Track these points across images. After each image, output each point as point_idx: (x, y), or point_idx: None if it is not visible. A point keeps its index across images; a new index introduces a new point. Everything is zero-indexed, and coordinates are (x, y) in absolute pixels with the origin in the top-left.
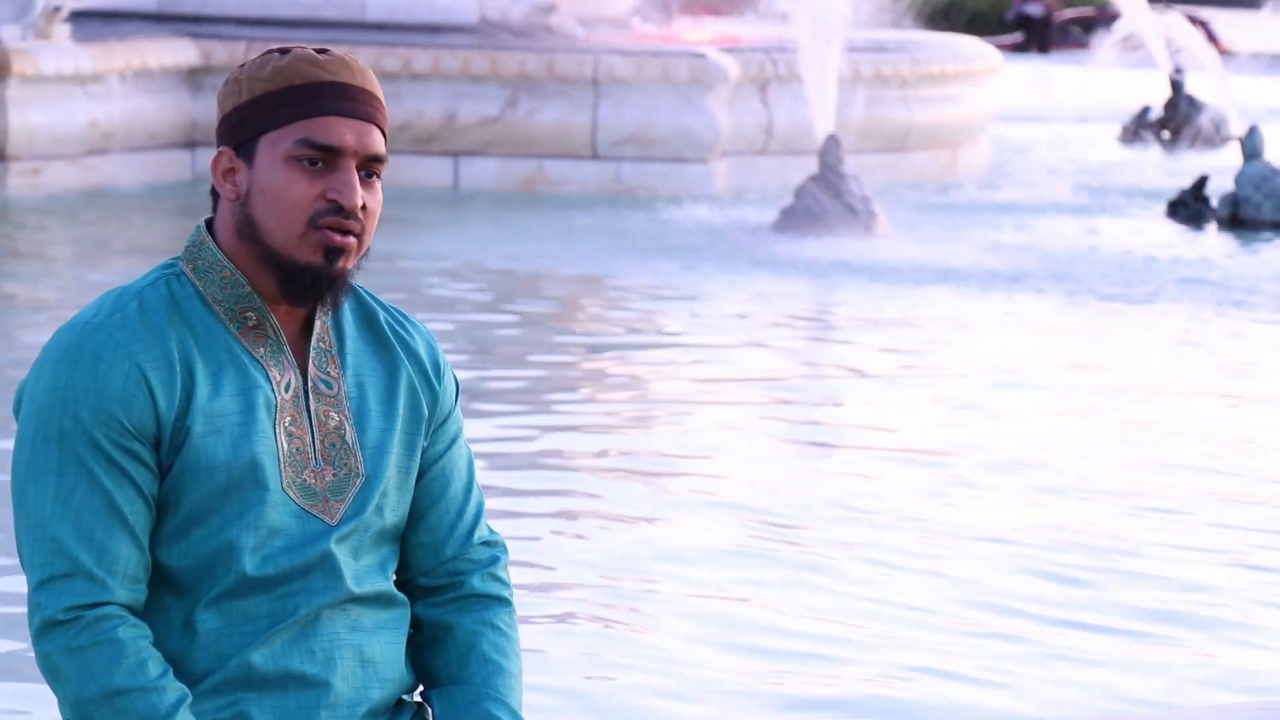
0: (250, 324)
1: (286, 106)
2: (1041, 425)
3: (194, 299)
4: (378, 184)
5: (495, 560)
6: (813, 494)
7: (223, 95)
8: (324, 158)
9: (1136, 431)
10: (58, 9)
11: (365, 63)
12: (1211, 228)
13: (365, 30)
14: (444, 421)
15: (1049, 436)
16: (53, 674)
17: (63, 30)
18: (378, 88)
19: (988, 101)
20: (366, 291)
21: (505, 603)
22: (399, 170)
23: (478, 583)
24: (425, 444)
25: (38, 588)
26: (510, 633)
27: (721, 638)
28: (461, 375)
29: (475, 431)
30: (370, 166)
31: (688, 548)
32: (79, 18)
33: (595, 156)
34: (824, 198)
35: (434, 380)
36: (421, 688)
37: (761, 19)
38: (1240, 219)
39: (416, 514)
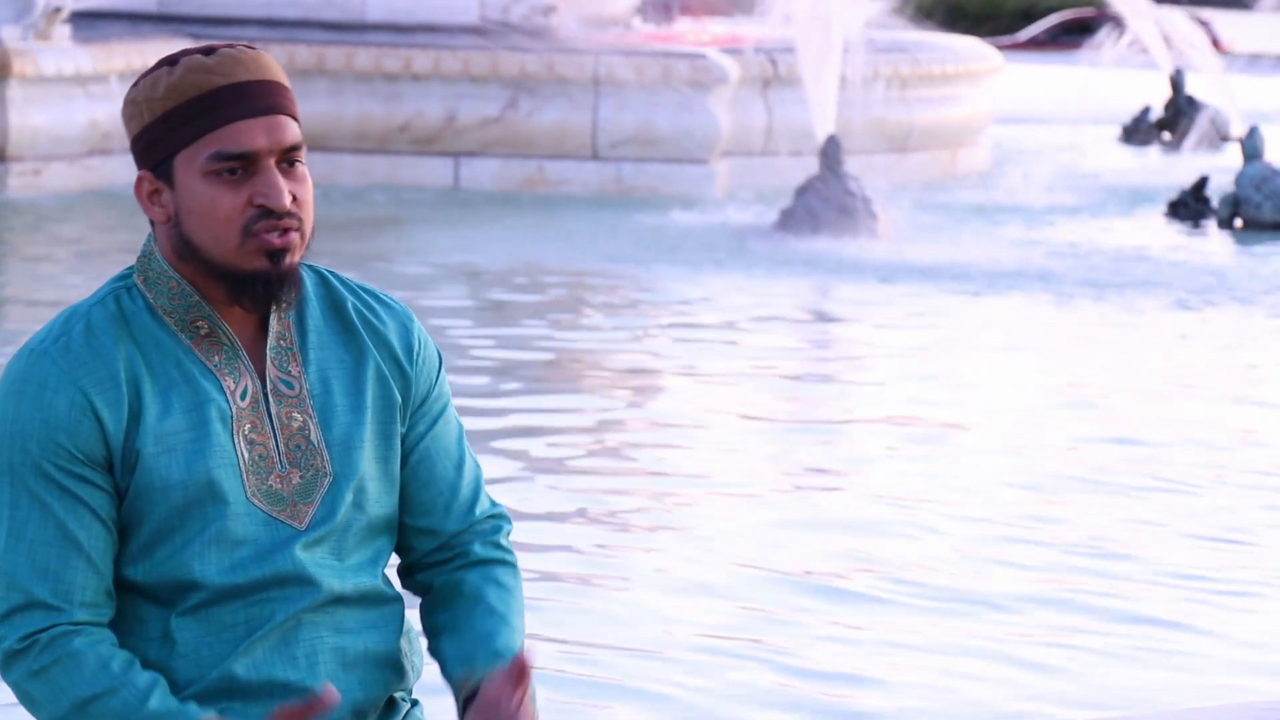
0: (203, 333)
1: (190, 122)
2: (1040, 424)
3: (144, 313)
4: (301, 168)
5: (498, 529)
6: (812, 492)
7: (126, 118)
8: (241, 165)
9: (1135, 432)
10: (58, 9)
11: (365, 63)
12: (1211, 228)
13: (365, 31)
14: (422, 403)
15: (1047, 435)
16: (27, 701)
17: (63, 30)
18: (277, 72)
19: (988, 101)
20: (336, 276)
21: (508, 564)
22: (399, 170)
23: (480, 549)
24: (404, 429)
25: None
26: (514, 589)
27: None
28: (457, 377)
29: (473, 430)
30: (289, 156)
31: (688, 543)
32: (79, 18)
33: (595, 157)
34: (824, 198)
35: (405, 364)
36: (428, 644)
37: (762, 19)
38: (1240, 219)
39: (408, 500)
